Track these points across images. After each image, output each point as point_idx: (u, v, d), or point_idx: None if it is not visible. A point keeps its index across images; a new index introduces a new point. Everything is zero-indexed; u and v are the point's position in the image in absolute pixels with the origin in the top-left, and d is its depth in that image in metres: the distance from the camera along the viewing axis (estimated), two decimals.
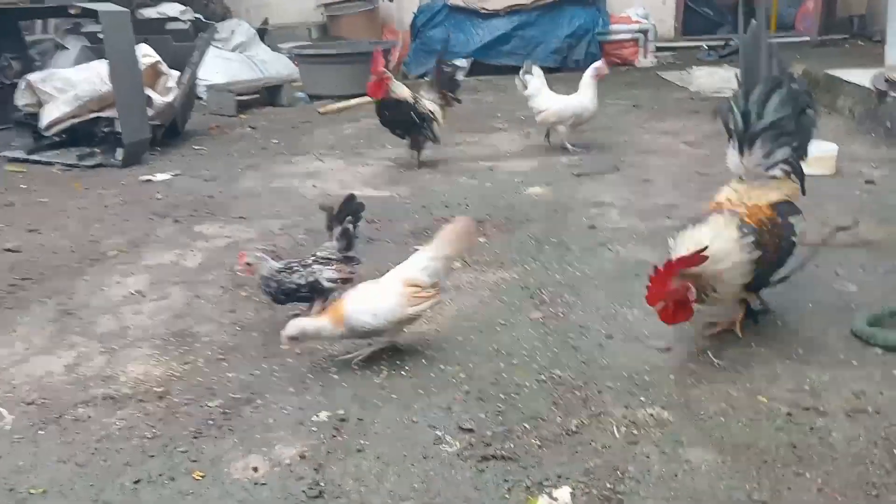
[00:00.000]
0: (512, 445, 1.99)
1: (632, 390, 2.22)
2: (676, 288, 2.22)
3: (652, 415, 2.09)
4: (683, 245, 2.28)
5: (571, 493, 1.79)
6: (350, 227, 2.70)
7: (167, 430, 2.14)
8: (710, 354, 2.37)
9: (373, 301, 2.39)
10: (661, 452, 1.93)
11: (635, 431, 2.02)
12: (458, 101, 4.91)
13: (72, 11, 5.14)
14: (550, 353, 2.46)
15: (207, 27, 6.04)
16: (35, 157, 5.55)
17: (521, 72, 5.19)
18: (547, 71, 8.84)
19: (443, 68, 4.96)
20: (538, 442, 2.00)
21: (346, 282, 2.68)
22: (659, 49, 9.44)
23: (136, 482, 1.92)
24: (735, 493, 1.77)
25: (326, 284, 2.67)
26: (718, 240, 2.27)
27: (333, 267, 2.70)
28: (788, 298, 2.72)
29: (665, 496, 1.78)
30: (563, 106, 4.99)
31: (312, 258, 2.73)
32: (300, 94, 7.92)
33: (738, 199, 2.44)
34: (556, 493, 1.79)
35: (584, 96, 4.95)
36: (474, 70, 9.07)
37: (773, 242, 2.36)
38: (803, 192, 2.51)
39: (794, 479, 1.80)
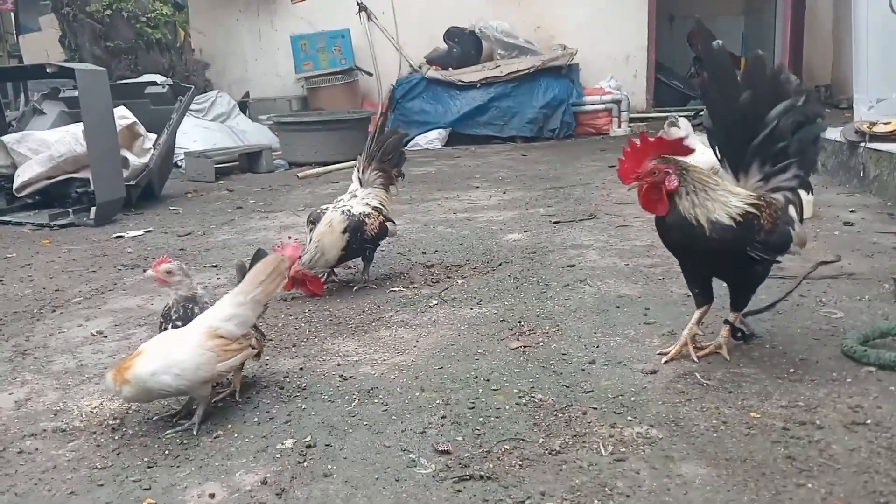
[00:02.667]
0: (491, 466, 1.85)
1: (618, 410, 2.09)
2: (653, 169, 2.06)
3: (640, 433, 1.96)
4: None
5: None
6: None
7: (119, 460, 1.98)
8: (698, 376, 2.27)
9: (173, 359, 2.05)
10: (651, 468, 1.80)
11: (623, 449, 1.89)
12: (402, 175, 3.79)
13: (49, 70, 5.15)
14: (531, 379, 2.33)
15: (186, 91, 6.06)
16: (6, 217, 5.45)
17: (666, 124, 4.65)
18: (522, 141, 9.08)
19: (389, 139, 3.71)
20: (519, 462, 1.86)
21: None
22: (632, 120, 9.66)
23: None
24: None
25: None
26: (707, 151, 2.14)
27: None
28: (775, 324, 2.64)
29: None
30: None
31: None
32: (279, 162, 7.94)
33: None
34: None
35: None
36: (452, 140, 9.23)
37: (769, 218, 2.19)
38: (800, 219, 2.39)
39: (795, 490, 1.67)
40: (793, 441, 1.88)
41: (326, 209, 3.47)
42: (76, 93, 5.44)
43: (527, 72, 8.94)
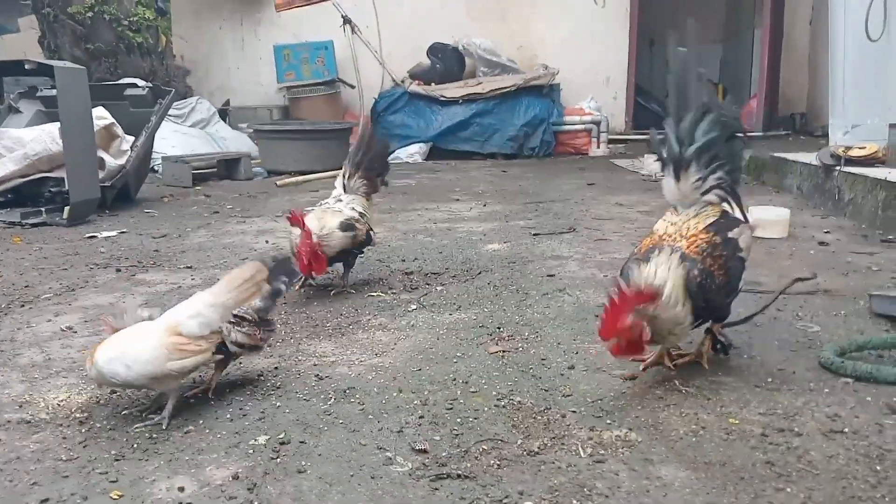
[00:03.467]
0: (469, 465, 1.82)
1: (597, 414, 2.08)
2: (631, 325, 2.09)
3: (619, 436, 1.95)
4: (637, 285, 2.17)
5: None
6: (283, 287, 2.32)
7: (86, 452, 1.92)
8: (677, 383, 2.26)
9: (129, 349, 2.02)
10: (630, 470, 1.78)
11: (602, 451, 1.87)
12: (386, 184, 3.74)
13: (27, 67, 5.08)
14: (510, 382, 2.31)
15: (166, 94, 6.00)
16: None
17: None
18: (503, 158, 9.12)
19: (377, 148, 3.66)
20: (497, 462, 1.83)
21: (255, 349, 2.30)
22: (611, 141, 9.76)
23: (44, 501, 1.69)
24: None
25: (232, 348, 2.19)
26: (670, 281, 2.16)
27: (245, 329, 2.23)
28: (753, 336, 2.65)
29: None
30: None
31: None
32: (258, 170, 7.89)
33: (676, 231, 2.31)
34: None
35: None
36: (433, 154, 9.25)
37: (718, 264, 2.24)
38: (744, 217, 2.46)
39: (774, 494, 1.66)
40: (771, 447, 1.87)
41: (312, 210, 3.41)
42: (54, 92, 5.36)
43: (509, 89, 9.01)
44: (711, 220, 2.33)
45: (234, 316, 2.22)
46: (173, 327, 2.09)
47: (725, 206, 2.42)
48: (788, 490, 1.68)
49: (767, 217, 4.30)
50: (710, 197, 2.38)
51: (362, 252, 3.54)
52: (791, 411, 2.06)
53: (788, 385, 2.24)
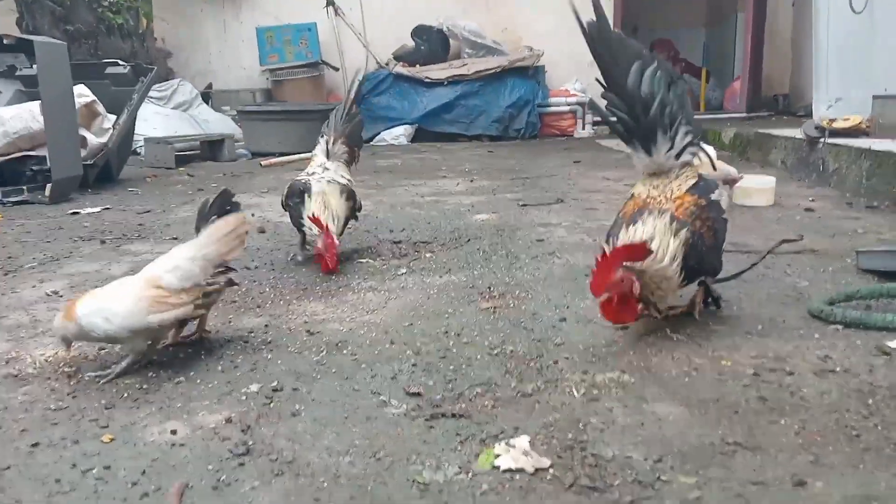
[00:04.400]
0: (464, 406, 1.81)
1: (589, 360, 2.08)
2: (621, 278, 2.08)
3: (612, 378, 1.95)
4: (623, 242, 2.17)
5: (530, 442, 1.61)
6: None
7: (75, 403, 1.89)
8: (668, 331, 2.26)
9: (109, 302, 2.00)
10: (624, 406, 1.78)
11: (595, 391, 1.87)
12: (357, 158, 3.65)
13: (6, 42, 4.99)
14: (502, 334, 2.31)
15: (147, 72, 5.93)
16: None
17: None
18: (488, 139, 9.11)
19: (357, 118, 3.66)
20: (492, 403, 1.83)
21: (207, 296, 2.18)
22: (596, 123, 9.77)
23: (34, 445, 1.67)
24: (707, 438, 1.62)
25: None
26: (658, 237, 2.15)
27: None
28: (742, 292, 2.66)
29: (632, 441, 1.62)
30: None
31: None
32: (242, 151, 7.83)
33: (661, 193, 2.28)
34: (513, 441, 1.61)
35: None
36: (418, 137, 9.22)
37: (707, 226, 2.24)
38: (713, 167, 2.46)
39: (768, 426, 1.67)
40: (764, 385, 1.88)
41: (304, 181, 3.32)
42: (33, 71, 5.28)
43: (494, 71, 8.99)
44: (692, 182, 2.31)
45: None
46: (153, 280, 2.05)
47: (699, 159, 2.40)
48: (782, 422, 1.69)
49: (753, 185, 4.32)
50: (685, 157, 2.33)
51: (356, 218, 3.49)
52: (782, 354, 2.08)
53: (779, 332, 2.25)
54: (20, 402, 1.90)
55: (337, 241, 3.08)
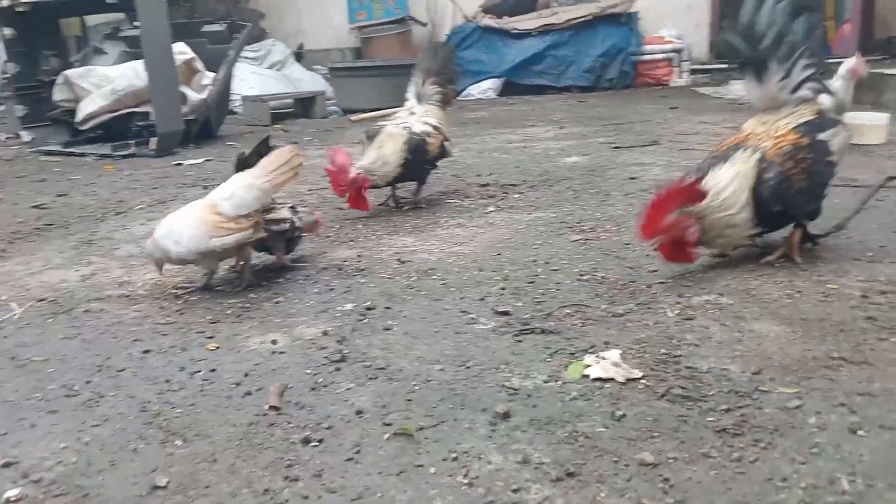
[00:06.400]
0: (553, 324, 1.81)
1: (684, 284, 2.03)
2: (674, 223, 1.98)
3: (709, 300, 1.90)
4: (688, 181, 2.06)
5: (621, 356, 1.59)
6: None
7: (182, 318, 2.01)
8: (768, 257, 2.17)
9: (178, 227, 2.10)
10: (721, 325, 1.73)
11: (691, 312, 1.83)
12: (456, 93, 3.54)
13: (109, 1, 5.22)
14: (592, 262, 2.28)
15: (242, 29, 6.09)
16: (70, 149, 5.59)
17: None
18: (579, 91, 8.90)
19: (444, 50, 3.64)
20: (582, 321, 1.82)
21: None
22: (693, 72, 9.36)
23: (146, 352, 1.78)
24: (810, 353, 1.56)
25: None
26: (736, 182, 2.04)
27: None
28: (851, 221, 2.50)
29: (729, 356, 1.57)
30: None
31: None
32: (333, 108, 7.96)
33: (765, 130, 2.14)
34: (604, 354, 1.60)
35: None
36: (505, 91, 9.10)
37: (800, 168, 2.07)
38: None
39: (877, 343, 1.59)
40: (873, 306, 1.78)
41: (383, 126, 3.35)
42: (136, 32, 5.51)
43: (584, 19, 8.73)
44: (805, 119, 2.14)
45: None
46: (213, 206, 2.13)
47: (824, 98, 2.25)
48: (893, 339, 1.60)
49: (866, 122, 4.05)
50: (803, 93, 2.17)
51: (435, 166, 3.42)
52: (894, 278, 1.96)
53: (892, 258, 2.13)
54: (132, 317, 2.03)
55: (364, 178, 2.97)
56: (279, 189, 2.24)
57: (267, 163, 2.19)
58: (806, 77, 2.17)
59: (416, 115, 3.37)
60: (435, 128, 3.33)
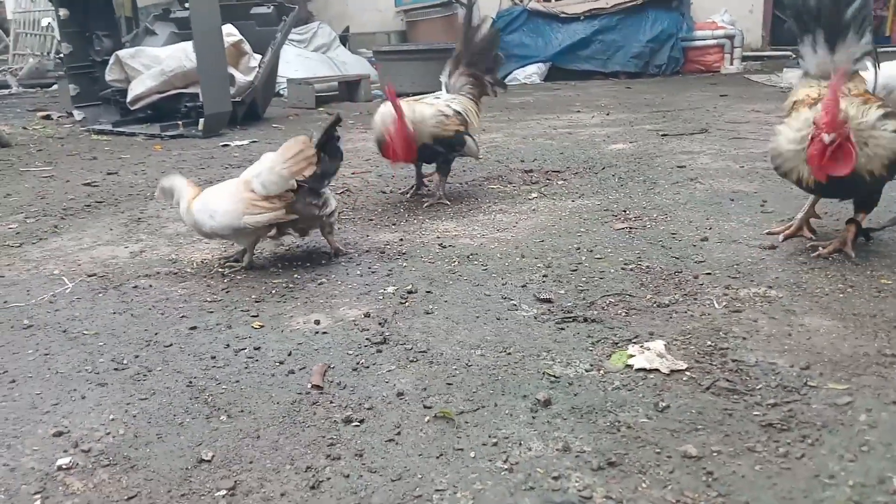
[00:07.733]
0: (596, 313, 1.79)
1: (732, 276, 1.98)
2: (845, 119, 1.87)
3: (757, 293, 1.85)
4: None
5: (666, 346, 1.57)
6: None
7: (228, 296, 2.04)
8: (821, 250, 2.11)
9: (214, 201, 2.15)
10: (770, 318, 1.70)
11: (738, 304, 1.79)
12: (504, 87, 3.35)
13: None
14: (637, 252, 2.25)
15: (290, 11, 6.12)
16: (120, 128, 5.71)
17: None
18: (626, 76, 8.76)
19: (478, 34, 3.25)
20: (625, 311, 1.79)
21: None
22: (745, 59, 9.14)
23: (192, 328, 1.81)
24: (862, 349, 1.52)
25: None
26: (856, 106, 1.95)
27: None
28: None
29: (777, 350, 1.54)
30: None
31: None
32: (378, 92, 7.97)
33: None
34: (648, 344, 1.58)
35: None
36: (551, 76, 9.00)
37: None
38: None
39: None
40: None
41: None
42: (186, 14, 5.58)
43: (634, 3, 8.58)
44: (863, 88, 2.12)
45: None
46: (247, 183, 2.16)
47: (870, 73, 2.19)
48: None
49: None
50: (859, 66, 2.14)
51: (453, 157, 3.14)
52: None
53: None
54: (180, 294, 2.07)
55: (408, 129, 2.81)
56: (296, 176, 2.20)
57: (282, 150, 2.20)
58: (867, 52, 2.13)
59: (442, 99, 3.14)
60: (456, 112, 3.05)
